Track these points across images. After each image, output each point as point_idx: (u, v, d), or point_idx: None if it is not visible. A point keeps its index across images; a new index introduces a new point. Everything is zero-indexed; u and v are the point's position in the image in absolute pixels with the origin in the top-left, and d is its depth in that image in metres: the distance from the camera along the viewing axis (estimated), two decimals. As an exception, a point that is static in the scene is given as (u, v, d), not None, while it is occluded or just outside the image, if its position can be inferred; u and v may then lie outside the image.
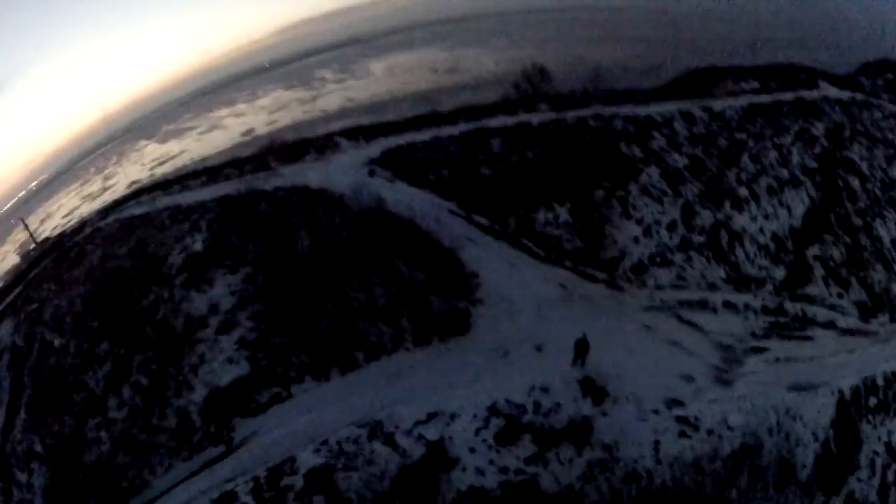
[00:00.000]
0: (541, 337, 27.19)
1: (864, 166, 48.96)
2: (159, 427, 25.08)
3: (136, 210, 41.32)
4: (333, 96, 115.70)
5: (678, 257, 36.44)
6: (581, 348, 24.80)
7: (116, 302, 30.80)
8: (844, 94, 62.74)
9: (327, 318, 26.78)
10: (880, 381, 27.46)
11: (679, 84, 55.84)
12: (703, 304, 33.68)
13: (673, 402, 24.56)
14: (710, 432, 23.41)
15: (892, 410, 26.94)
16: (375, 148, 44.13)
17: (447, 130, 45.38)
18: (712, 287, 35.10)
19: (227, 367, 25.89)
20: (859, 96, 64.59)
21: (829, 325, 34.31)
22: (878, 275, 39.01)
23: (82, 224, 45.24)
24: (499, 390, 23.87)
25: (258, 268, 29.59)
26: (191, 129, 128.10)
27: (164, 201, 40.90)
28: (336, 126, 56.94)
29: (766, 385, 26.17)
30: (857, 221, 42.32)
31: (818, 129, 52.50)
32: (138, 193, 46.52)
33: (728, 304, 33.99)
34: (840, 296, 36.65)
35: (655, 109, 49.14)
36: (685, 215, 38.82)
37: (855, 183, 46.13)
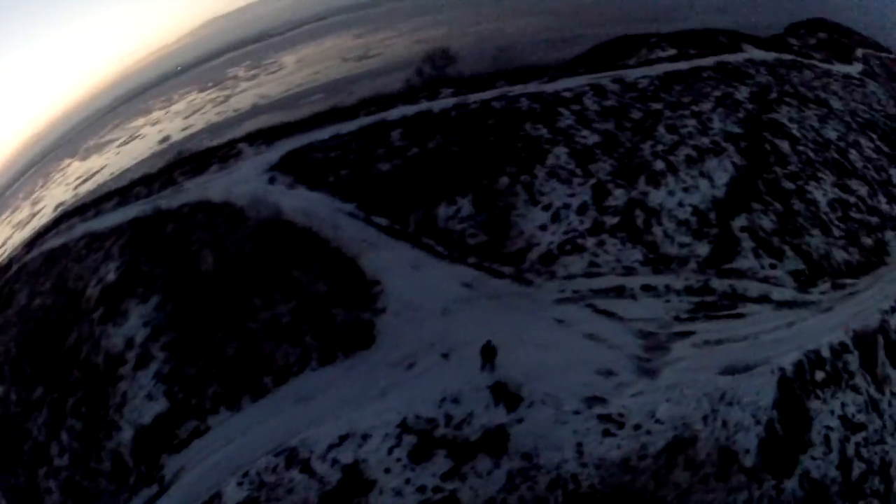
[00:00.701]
0: (447, 343, 27.45)
1: (794, 128, 48.71)
2: (98, 471, 26.31)
3: (56, 241, 42.65)
4: (246, 94, 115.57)
5: (590, 242, 35.00)
6: (487, 354, 25.10)
7: (45, 343, 32.26)
8: (770, 56, 62.94)
9: (234, 342, 27.66)
10: (826, 353, 27.28)
11: (591, 56, 55.22)
12: (619, 291, 32.40)
13: (593, 400, 24.51)
14: (636, 428, 23.40)
15: (844, 382, 26.82)
16: (276, 152, 44.96)
17: (347, 126, 46.13)
18: (629, 271, 33.71)
19: (147, 405, 26.81)
20: (787, 56, 64.80)
21: (763, 299, 33.05)
22: (815, 240, 38.12)
23: (10, 261, 46.51)
24: (408, 405, 24.45)
25: (167, 294, 30.67)
26: (110, 142, 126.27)
27: (80, 229, 42.21)
28: (248, 126, 58.50)
29: (695, 371, 25.88)
30: (789, 186, 41.61)
31: (742, 92, 52.22)
32: (58, 221, 48.02)
33: (647, 288, 32.65)
34: (773, 266, 35.39)
35: (564, 85, 48.63)
36: (596, 196, 37.51)
37: (784, 146, 45.68)
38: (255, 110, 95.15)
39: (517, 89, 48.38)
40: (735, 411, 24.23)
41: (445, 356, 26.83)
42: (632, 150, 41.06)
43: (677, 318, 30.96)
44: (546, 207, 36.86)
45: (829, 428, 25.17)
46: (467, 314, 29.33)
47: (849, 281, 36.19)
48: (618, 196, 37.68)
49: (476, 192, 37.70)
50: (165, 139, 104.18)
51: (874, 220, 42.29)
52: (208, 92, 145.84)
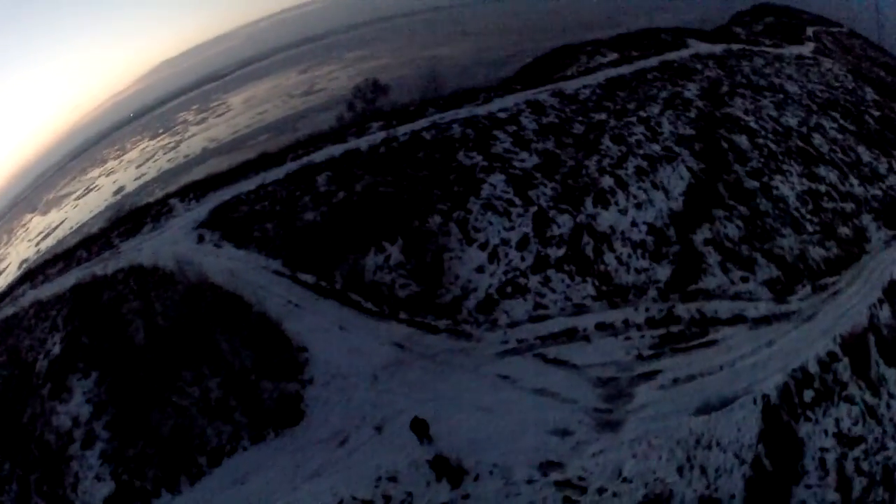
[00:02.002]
0: (379, 415, 25.44)
1: (751, 120, 45.81)
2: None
3: (9, 310, 41.11)
4: (196, 139, 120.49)
5: (534, 281, 31.45)
6: (418, 429, 22.77)
7: (5, 418, 31.13)
8: (718, 48, 60.36)
9: (169, 419, 26.37)
10: (813, 368, 25.38)
11: (527, 71, 51.63)
12: (571, 335, 28.98)
13: (549, 466, 21.89)
14: (601, 491, 20.88)
15: (836, 395, 25.02)
16: (205, 207, 43.46)
17: (273, 174, 44.31)
18: (580, 310, 30.24)
19: (97, 486, 25.57)
20: (735, 46, 62.08)
21: (737, 319, 29.74)
22: (788, 240, 34.77)
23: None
24: (343, 485, 22.26)
25: (105, 369, 29.28)
26: (68, 195, 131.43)
27: (29, 296, 40.80)
28: (198, 172, 57.92)
29: (664, 417, 23.43)
30: (752, 184, 38.25)
31: (690, 90, 49.54)
32: (11, 289, 46.64)
33: (603, 327, 29.23)
34: (745, 280, 31.92)
35: (499, 105, 45.80)
36: (538, 226, 33.90)
37: (742, 141, 42.56)
38: (205, 155, 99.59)
39: (449, 115, 45.54)
40: (715, 455, 21.94)
41: (378, 429, 24.74)
42: (576, 169, 37.72)
43: (640, 357, 27.67)
44: (483, 246, 33.40)
45: (823, 450, 23.17)
46: (399, 380, 27.18)
47: (830, 280, 33.05)
48: (562, 223, 34.16)
49: (406, 236, 34.50)
50: (120, 190, 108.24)
51: (849, 206, 39.25)
52: (159, 138, 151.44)
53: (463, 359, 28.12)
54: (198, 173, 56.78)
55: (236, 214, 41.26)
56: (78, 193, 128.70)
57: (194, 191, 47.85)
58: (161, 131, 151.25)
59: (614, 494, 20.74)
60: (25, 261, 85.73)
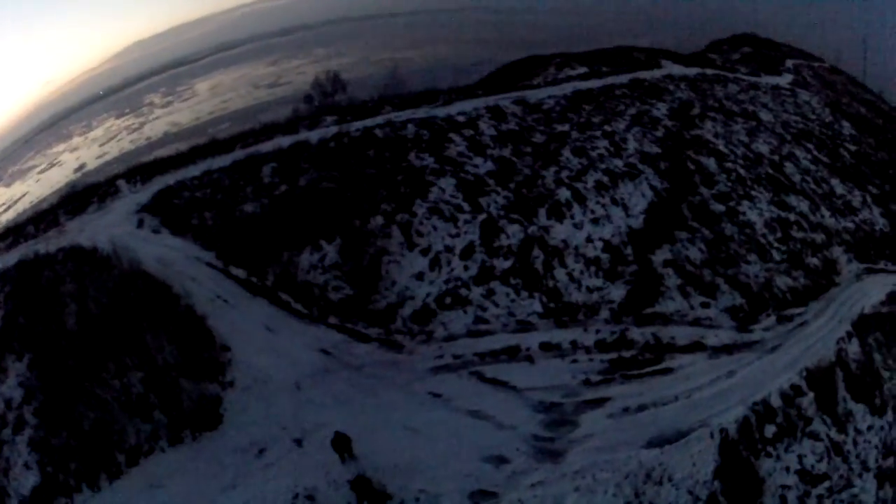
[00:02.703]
0: (300, 426, 23.48)
1: (720, 144, 44.06)
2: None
3: None
4: (159, 122, 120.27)
5: (476, 293, 29.02)
6: (340, 446, 20.94)
7: None
8: (692, 71, 59.03)
9: (92, 412, 24.70)
10: (776, 402, 24.21)
11: (492, 79, 48.80)
12: (513, 353, 26.72)
13: (481, 495, 19.99)
14: None
15: (799, 431, 24.04)
16: (149, 190, 41.58)
17: (220, 161, 42.22)
18: (525, 327, 27.92)
19: (25, 474, 24.16)
20: (710, 71, 60.80)
21: (696, 346, 27.74)
22: (753, 268, 32.94)
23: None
24: (258, 501, 20.71)
25: (37, 353, 27.57)
26: (32, 168, 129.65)
27: None
28: (159, 154, 55.24)
29: (612, 448, 21.58)
30: (718, 208, 36.31)
31: (660, 109, 47.57)
32: None
33: (548, 347, 26.91)
34: (706, 305, 29.85)
35: (459, 108, 43.46)
36: (486, 235, 31.41)
37: (710, 164, 40.69)
38: (166, 138, 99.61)
39: (405, 114, 43.14)
40: (666, 491, 20.52)
41: (298, 442, 22.85)
42: (531, 179, 35.28)
43: (587, 383, 25.52)
44: (424, 251, 30.88)
45: (784, 487, 22.54)
46: (323, 390, 25.28)
47: (796, 311, 31.25)
48: (512, 234, 31.57)
49: (344, 236, 32.09)
50: (81, 167, 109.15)
51: (819, 237, 37.62)
52: (125, 118, 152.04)
53: (393, 372, 26.29)
54: (156, 157, 54.71)
55: (178, 200, 39.20)
56: (41, 167, 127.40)
57: (141, 173, 45.73)
58: (127, 111, 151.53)
59: None
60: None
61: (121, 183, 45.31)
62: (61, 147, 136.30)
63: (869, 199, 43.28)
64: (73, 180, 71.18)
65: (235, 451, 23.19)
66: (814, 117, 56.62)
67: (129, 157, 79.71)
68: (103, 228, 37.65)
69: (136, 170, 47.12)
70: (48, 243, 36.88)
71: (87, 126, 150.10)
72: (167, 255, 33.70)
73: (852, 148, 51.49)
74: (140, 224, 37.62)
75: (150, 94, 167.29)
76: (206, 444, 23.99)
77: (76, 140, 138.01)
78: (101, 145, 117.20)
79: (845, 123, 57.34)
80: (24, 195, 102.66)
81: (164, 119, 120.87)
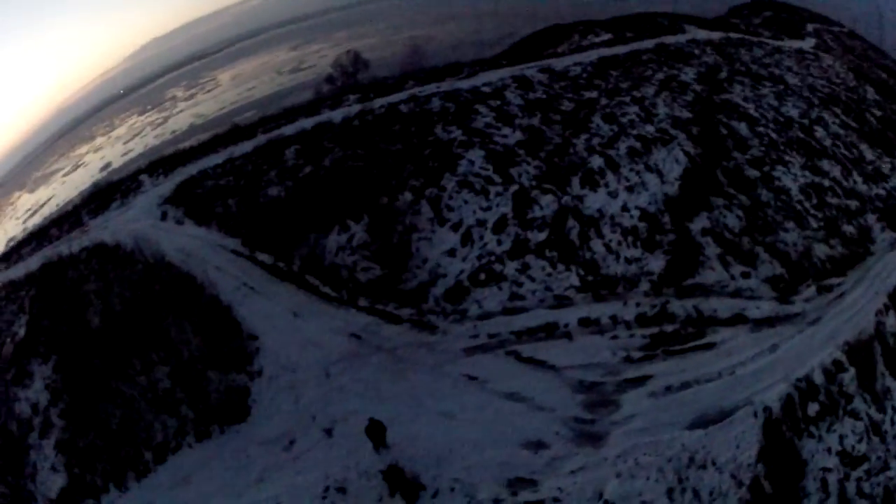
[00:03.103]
0: (330, 415, 22.79)
1: (750, 108, 42.24)
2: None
3: None
4: (183, 115, 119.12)
5: (511, 268, 27.71)
6: (375, 434, 20.20)
7: None
8: (716, 35, 57.29)
9: (118, 411, 24.61)
10: (818, 379, 22.75)
11: (516, 49, 47.38)
12: (550, 331, 25.40)
13: (519, 483, 19.25)
14: None
15: (841, 409, 22.55)
16: (172, 182, 41.35)
17: (242, 148, 41.91)
18: (562, 302, 26.54)
19: (52, 477, 24.14)
20: (734, 35, 58.59)
21: (737, 319, 26.38)
22: (791, 235, 31.33)
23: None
24: (288, 495, 20.32)
25: (63, 354, 27.47)
26: (56, 171, 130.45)
27: (2, 277, 38.63)
28: (183, 147, 54.61)
29: (655, 430, 20.63)
30: (753, 173, 34.66)
31: (688, 74, 45.75)
32: None
33: (587, 323, 25.59)
34: (746, 276, 28.33)
35: (483, 80, 42.18)
36: (518, 207, 30.02)
37: (742, 128, 38.99)
38: (192, 130, 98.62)
39: (429, 89, 42.05)
40: (710, 476, 19.51)
41: (328, 432, 22.26)
42: (562, 147, 33.88)
43: (628, 360, 24.31)
44: (455, 227, 29.69)
45: (825, 470, 21.14)
46: (353, 376, 24.39)
47: (835, 281, 29.67)
48: (546, 205, 30.27)
49: (372, 214, 30.94)
50: (107, 166, 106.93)
51: (853, 203, 35.73)
52: (148, 114, 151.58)
53: (426, 354, 25.22)
54: (178, 149, 54.82)
55: (200, 190, 38.76)
56: (66, 170, 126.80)
57: (164, 166, 45.65)
58: (150, 107, 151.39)
59: None
60: (12, 239, 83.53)
61: (143, 177, 45.17)
62: (85, 148, 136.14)
63: (898, 166, 40.61)
64: (98, 179, 70.92)
65: (264, 443, 22.83)
66: (838, 81, 54.47)
67: (154, 152, 79.68)
68: (126, 224, 37.44)
69: (158, 163, 46.92)
70: (71, 244, 36.65)
71: (110, 125, 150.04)
72: (191, 245, 33.27)
73: (878, 113, 49.46)
74: (163, 216, 37.23)
75: (172, 88, 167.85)
76: (234, 437, 23.68)
77: (99, 140, 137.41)
78: (125, 143, 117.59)
79: (869, 88, 55.46)
80: (49, 199, 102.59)
81: (188, 111, 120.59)
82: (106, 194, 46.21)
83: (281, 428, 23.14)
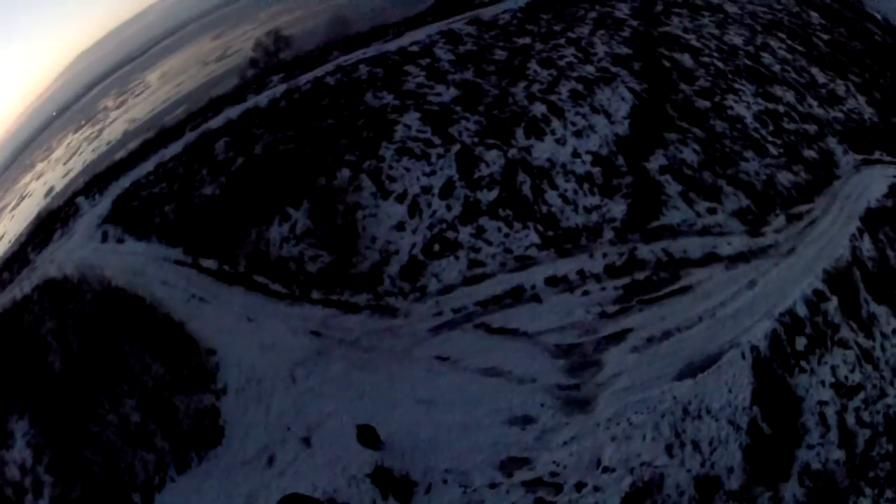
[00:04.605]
0: (305, 423, 21.75)
1: (692, 39, 42.02)
2: None
3: None
4: (116, 123, 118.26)
5: (465, 234, 26.68)
6: (368, 438, 19.71)
7: None
8: None
9: (99, 456, 23.49)
10: (802, 311, 22.70)
11: (442, 4, 45.95)
12: (517, 295, 24.44)
13: (512, 463, 18.95)
14: (580, 487, 18.25)
15: (829, 340, 22.51)
16: (108, 199, 39.56)
17: (171, 150, 40.33)
18: (525, 263, 25.61)
19: None
20: None
21: (710, 258, 25.96)
22: (752, 165, 31.03)
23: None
24: None
25: (35, 406, 26.40)
26: (4, 208, 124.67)
27: None
28: (114, 159, 52.93)
29: (643, 386, 20.39)
30: (704, 104, 34.31)
31: (622, 10, 45.38)
32: None
33: (554, 282, 24.73)
34: (712, 212, 27.89)
35: (410, 39, 41.10)
36: (463, 167, 28.89)
37: (686, 59, 38.73)
38: (125, 137, 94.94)
39: (355, 56, 40.70)
40: (707, 425, 19.49)
41: (306, 441, 21.26)
42: (501, 99, 32.81)
43: (603, 315, 23.65)
44: (400, 198, 28.36)
45: (822, 403, 21.25)
46: (320, 376, 23.47)
47: (804, 208, 29.60)
48: (492, 161, 29.10)
49: (312, 198, 29.54)
50: (50, 191, 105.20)
51: (811, 128, 35.77)
52: (82, 130, 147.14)
53: (391, 340, 24.27)
54: (108, 163, 53.46)
55: (136, 202, 37.12)
56: (12, 204, 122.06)
57: (97, 184, 44.02)
58: (83, 123, 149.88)
59: (596, 489, 18.11)
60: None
61: (80, 200, 43.49)
62: (28, 177, 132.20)
63: (852, 88, 41.67)
64: (42, 209, 69.16)
65: (245, 463, 21.88)
66: (779, 7, 54.28)
67: (92, 167, 77.77)
68: (69, 253, 35.82)
69: (93, 182, 45.33)
70: (23, 285, 35.26)
71: (48, 149, 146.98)
72: (135, 263, 31.89)
73: (825, 37, 49.66)
74: (104, 238, 35.57)
75: (103, 98, 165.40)
76: (214, 463, 22.67)
77: (40, 166, 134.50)
78: (64, 164, 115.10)
79: (813, 13, 55.69)
80: (2, 236, 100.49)
81: (121, 119, 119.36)
82: (48, 224, 44.47)
83: (258, 445, 22.38)
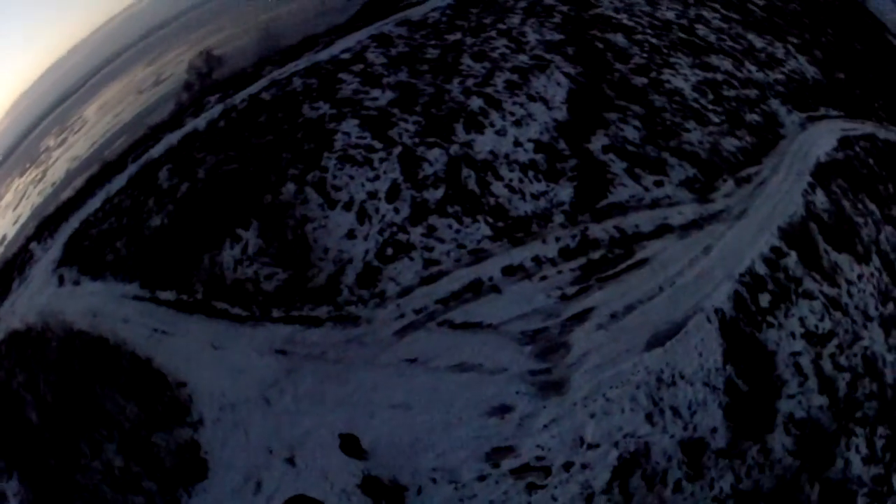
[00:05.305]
0: (286, 443, 21.86)
1: (623, 18, 42.71)
2: None
3: None
4: (59, 163, 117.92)
5: (416, 235, 27.03)
6: (350, 447, 20.13)
7: None
8: None
9: None
10: (761, 269, 23.97)
11: (370, 8, 46.12)
12: (475, 289, 24.82)
13: (497, 453, 19.60)
14: (568, 466, 19.10)
15: (793, 293, 23.70)
16: (59, 242, 39.03)
17: (116, 183, 39.90)
18: (479, 256, 26.06)
19: None
20: None
21: (663, 229, 26.66)
22: (694, 135, 31.80)
23: None
24: None
25: (21, 464, 26.30)
26: None
27: None
28: (61, 200, 50.83)
29: (614, 361, 21.21)
30: (640, 81, 35.02)
31: None
32: None
33: (511, 271, 25.17)
34: (659, 184, 28.58)
35: (341, 47, 41.33)
36: (407, 168, 29.30)
37: (619, 39, 39.37)
38: (70, 176, 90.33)
39: (288, 69, 40.84)
40: (682, 390, 20.52)
41: (290, 461, 21.34)
42: (437, 96, 33.23)
43: (564, 298, 24.15)
44: (347, 206, 28.61)
45: (795, 354, 22.26)
46: (293, 395, 23.58)
47: (752, 170, 30.51)
48: (434, 159, 29.56)
49: (260, 217, 29.64)
50: (3, 239, 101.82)
51: (752, 92, 36.72)
52: (28, 173, 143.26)
53: (357, 349, 24.38)
54: (56, 203, 51.86)
55: (87, 242, 36.68)
56: None
57: (48, 227, 43.09)
58: (28, 165, 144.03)
59: (584, 466, 19.03)
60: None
61: (33, 245, 42.62)
62: None
63: (792, 50, 42.77)
64: (3, 255, 67.86)
65: (233, 493, 21.95)
66: (712, -23, 54.72)
67: (40, 210, 76.01)
68: (29, 301, 35.53)
69: (43, 226, 44.65)
70: None
71: None
72: (94, 304, 31.56)
73: (760, 2, 50.38)
74: (61, 282, 35.05)
75: (44, 139, 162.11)
76: (203, 497, 22.75)
77: None
78: (13, 209, 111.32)
79: (746, -21, 56.35)
80: None
81: (63, 157, 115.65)
82: (5, 275, 43.01)
83: (243, 472, 22.08)
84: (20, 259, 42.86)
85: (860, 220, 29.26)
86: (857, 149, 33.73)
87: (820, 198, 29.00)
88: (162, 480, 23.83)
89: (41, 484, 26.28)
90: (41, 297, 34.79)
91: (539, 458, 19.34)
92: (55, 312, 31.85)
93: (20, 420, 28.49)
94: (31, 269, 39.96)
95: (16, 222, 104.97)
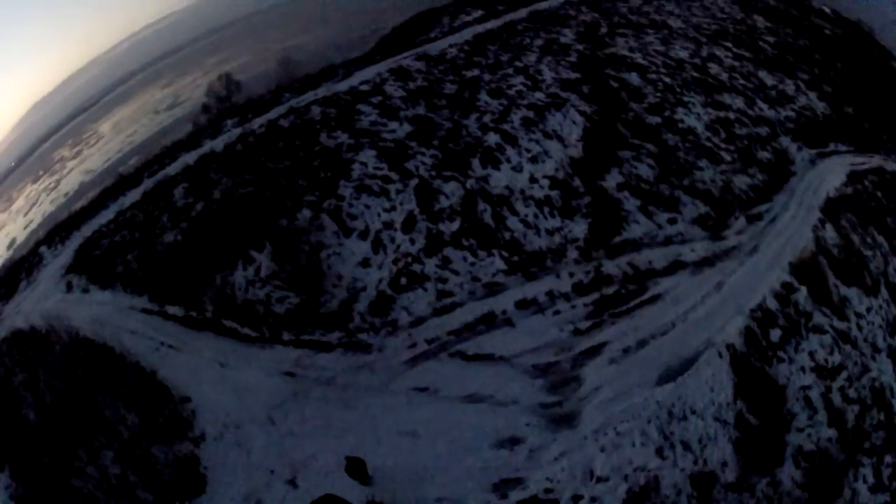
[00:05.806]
0: (289, 465, 21.63)
1: (637, 57, 43.58)
2: None
3: None
4: (73, 174, 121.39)
5: (431, 266, 27.36)
6: (357, 471, 19.75)
7: None
8: None
9: None
10: (772, 304, 24.39)
11: (388, 42, 46.98)
12: (488, 321, 25.19)
13: (506, 485, 19.29)
14: (576, 499, 18.87)
15: (803, 328, 24.19)
16: (70, 250, 39.09)
17: (130, 197, 40.15)
18: (493, 289, 26.44)
19: None
20: None
21: (676, 266, 27.31)
22: (707, 173, 32.56)
23: None
24: None
25: (14, 460, 25.97)
26: None
27: None
28: (75, 209, 51.55)
29: (625, 395, 21.28)
30: (654, 120, 35.73)
31: (567, 35, 46.83)
32: None
33: (524, 304, 25.57)
34: (673, 221, 29.25)
35: (360, 78, 41.67)
36: (423, 200, 29.72)
37: (633, 78, 40.11)
38: (82, 188, 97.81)
39: (307, 97, 41.09)
40: (693, 425, 20.59)
41: (292, 483, 21.19)
42: (454, 131, 33.79)
43: (577, 332, 24.53)
44: (363, 234, 28.96)
45: (805, 388, 22.61)
46: (298, 417, 23.39)
47: (763, 208, 31.25)
48: (451, 192, 30.04)
49: (274, 240, 29.86)
50: (13, 243, 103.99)
51: (763, 130, 37.50)
52: (41, 181, 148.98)
53: (367, 376, 24.48)
54: (69, 212, 52.87)
55: (98, 251, 36.80)
56: None
57: (59, 233, 43.43)
58: (41, 173, 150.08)
59: (593, 499, 18.82)
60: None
61: (43, 250, 42.93)
62: None
63: (802, 86, 43.58)
64: (5, 260, 68.80)
65: None
66: (724, 16, 56.76)
67: (53, 217, 77.83)
68: (35, 304, 35.56)
69: (55, 231, 44.85)
70: None
71: (8, 200, 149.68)
72: (101, 313, 31.66)
73: (771, 39, 51.92)
74: (69, 288, 35.20)
75: (59, 149, 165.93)
76: None
77: (1, 217, 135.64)
78: (24, 215, 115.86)
79: (757, 17, 58.06)
80: None
81: (78, 169, 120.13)
82: (12, 275, 43.55)
83: (242, 490, 22.05)
84: (29, 262, 43.34)
85: (869, 252, 29.74)
86: (866, 182, 34.24)
87: (829, 233, 29.41)
88: (158, 492, 23.78)
89: (33, 481, 26.20)
90: (48, 301, 35.07)
91: (548, 491, 19.13)
92: (62, 317, 31.99)
93: (17, 417, 28.48)
94: (39, 272, 40.43)
95: (26, 227, 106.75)
